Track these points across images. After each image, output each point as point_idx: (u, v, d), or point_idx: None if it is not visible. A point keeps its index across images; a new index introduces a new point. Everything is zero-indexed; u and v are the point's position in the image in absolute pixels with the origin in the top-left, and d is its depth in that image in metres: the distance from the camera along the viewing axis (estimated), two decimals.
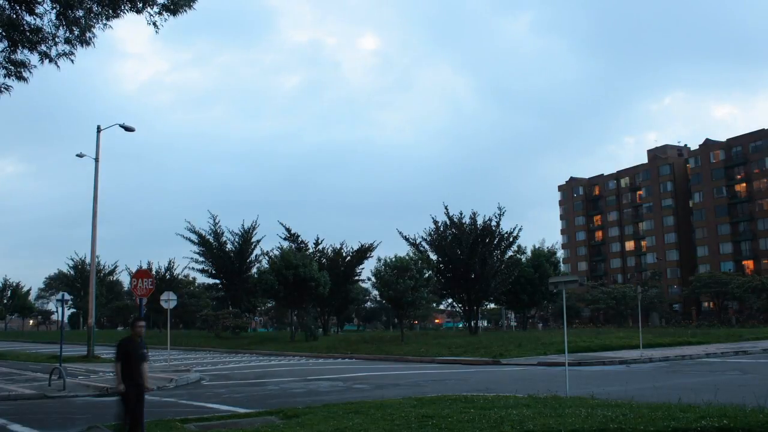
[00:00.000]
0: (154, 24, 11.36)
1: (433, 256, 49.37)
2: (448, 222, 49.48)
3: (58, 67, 11.51)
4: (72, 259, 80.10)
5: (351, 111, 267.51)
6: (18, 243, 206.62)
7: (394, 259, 42.91)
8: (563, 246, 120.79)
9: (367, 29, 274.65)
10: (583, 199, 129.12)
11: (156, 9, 11.22)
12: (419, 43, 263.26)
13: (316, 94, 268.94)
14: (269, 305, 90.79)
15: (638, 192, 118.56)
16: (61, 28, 11.20)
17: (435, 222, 49.74)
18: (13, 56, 11.48)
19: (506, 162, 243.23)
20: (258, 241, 61.96)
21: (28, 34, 11.13)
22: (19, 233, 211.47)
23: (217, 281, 63.32)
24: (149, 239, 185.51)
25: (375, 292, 77.36)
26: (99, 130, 34.24)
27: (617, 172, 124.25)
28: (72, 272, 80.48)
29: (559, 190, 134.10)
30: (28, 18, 11.16)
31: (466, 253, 47.46)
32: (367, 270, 76.55)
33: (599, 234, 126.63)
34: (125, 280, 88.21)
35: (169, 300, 28.67)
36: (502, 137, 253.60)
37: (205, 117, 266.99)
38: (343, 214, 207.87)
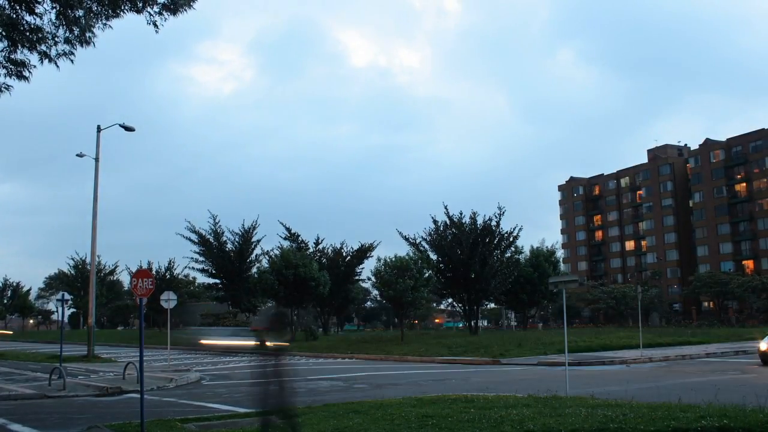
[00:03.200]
0: (154, 24, 11.34)
1: (433, 256, 49.33)
2: (447, 222, 49.46)
3: (57, 67, 11.50)
4: (72, 259, 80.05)
5: (400, 119, 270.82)
6: (21, 242, 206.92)
7: (394, 259, 42.90)
8: (563, 246, 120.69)
9: (422, 51, 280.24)
10: (583, 198, 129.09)
11: (156, 9, 11.20)
12: (468, 63, 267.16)
13: (372, 105, 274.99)
14: (269, 305, 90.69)
15: (638, 192, 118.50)
16: (60, 27, 11.19)
17: (435, 222, 49.74)
18: (13, 56, 11.47)
19: (516, 168, 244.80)
20: (258, 241, 62.03)
21: (27, 33, 11.12)
22: (22, 233, 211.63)
23: (217, 281, 63.32)
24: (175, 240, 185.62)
25: (375, 292, 77.32)
26: (99, 129, 34.25)
27: (617, 171, 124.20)
28: (72, 272, 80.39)
29: (559, 190, 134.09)
30: (28, 18, 11.15)
31: (466, 253, 47.43)
32: (367, 270, 76.62)
33: (599, 234, 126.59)
34: (125, 279, 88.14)
35: (169, 300, 28.66)
36: (513, 145, 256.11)
37: (246, 124, 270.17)
38: (357, 216, 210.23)
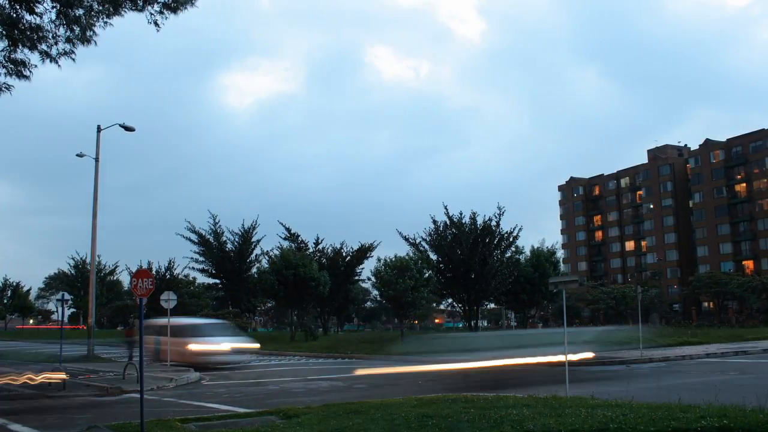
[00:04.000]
0: (155, 23, 11.34)
1: (433, 256, 49.29)
2: (447, 222, 49.41)
3: (58, 66, 11.51)
4: (72, 259, 79.97)
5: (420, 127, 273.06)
6: (21, 243, 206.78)
7: (394, 259, 42.90)
8: (563, 246, 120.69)
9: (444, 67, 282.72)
10: (583, 199, 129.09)
11: (157, 8, 11.20)
12: (478, 75, 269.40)
13: (396, 112, 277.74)
14: (269, 305, 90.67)
15: (638, 192, 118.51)
16: (61, 26, 11.19)
17: (434, 222, 49.67)
18: (13, 55, 11.47)
19: (516, 168, 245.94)
20: (258, 241, 62.03)
21: (28, 33, 11.12)
22: (21, 233, 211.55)
23: (217, 281, 63.32)
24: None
25: (375, 292, 77.29)
26: (99, 129, 34.23)
27: (617, 172, 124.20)
28: (72, 272, 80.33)
29: (559, 190, 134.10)
30: (28, 17, 11.15)
31: (466, 253, 47.36)
32: (367, 270, 76.61)
33: (599, 234, 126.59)
34: (125, 279, 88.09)
35: (169, 300, 28.60)
36: (515, 146, 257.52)
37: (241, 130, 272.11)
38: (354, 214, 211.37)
